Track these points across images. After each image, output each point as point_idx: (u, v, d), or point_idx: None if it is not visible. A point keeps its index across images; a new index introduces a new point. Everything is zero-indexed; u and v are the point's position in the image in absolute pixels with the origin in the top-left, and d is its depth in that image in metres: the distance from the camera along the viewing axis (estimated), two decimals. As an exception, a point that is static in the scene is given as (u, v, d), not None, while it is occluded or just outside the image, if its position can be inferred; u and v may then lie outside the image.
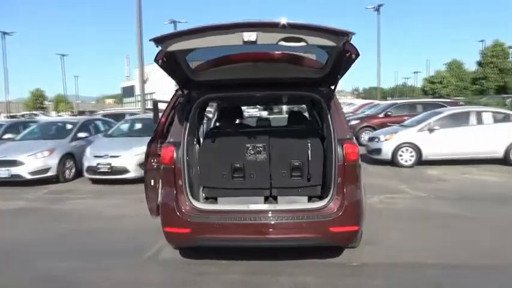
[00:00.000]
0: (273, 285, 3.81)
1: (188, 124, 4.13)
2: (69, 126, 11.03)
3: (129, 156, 9.02)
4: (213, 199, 4.71)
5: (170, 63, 3.67)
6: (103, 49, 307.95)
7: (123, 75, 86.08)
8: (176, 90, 4.55)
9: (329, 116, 4.06)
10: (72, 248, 5.07)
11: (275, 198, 4.68)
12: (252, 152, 4.46)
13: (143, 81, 18.96)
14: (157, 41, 3.05)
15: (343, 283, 3.85)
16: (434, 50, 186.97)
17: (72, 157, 9.90)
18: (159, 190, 4.36)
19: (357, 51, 3.41)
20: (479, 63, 46.48)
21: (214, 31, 3.02)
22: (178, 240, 4.03)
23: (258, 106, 24.40)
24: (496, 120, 10.71)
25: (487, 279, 3.91)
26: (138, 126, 10.70)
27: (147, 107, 19.03)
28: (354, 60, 3.56)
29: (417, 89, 69.10)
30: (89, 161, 9.26)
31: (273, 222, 3.79)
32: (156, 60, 3.56)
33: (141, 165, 8.90)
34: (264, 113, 28.67)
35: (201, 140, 4.63)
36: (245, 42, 2.98)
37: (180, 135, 4.04)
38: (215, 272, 4.12)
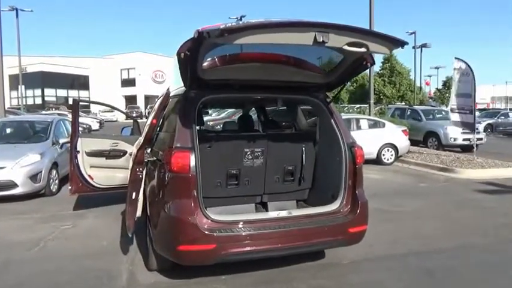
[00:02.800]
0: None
1: (195, 127, 3.69)
2: None
3: (17, 168, 7.38)
4: None
5: (191, 57, 3.25)
6: None
7: None
8: (168, 89, 4.02)
9: (332, 120, 4.18)
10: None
11: (264, 205, 4.55)
12: (250, 157, 4.25)
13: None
14: (226, 31, 2.67)
15: (354, 281, 4.02)
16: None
17: None
18: (150, 203, 3.77)
19: (373, 61, 3.63)
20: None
21: (288, 28, 2.82)
22: (199, 259, 3.54)
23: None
24: (370, 126, 12.55)
25: (456, 259, 4.61)
26: (19, 129, 8.82)
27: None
28: (366, 69, 3.78)
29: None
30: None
31: (296, 229, 3.69)
32: (179, 53, 3.13)
33: (34, 177, 7.48)
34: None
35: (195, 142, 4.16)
36: (315, 43, 2.87)
37: (188, 139, 3.58)
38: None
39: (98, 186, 6.32)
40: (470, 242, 5.20)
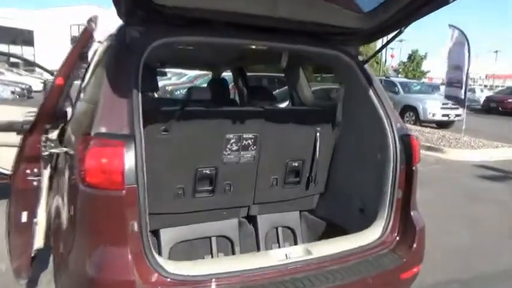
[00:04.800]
0: None
1: (137, 96, 1.94)
2: None
3: None
4: (152, 233, 2.61)
5: None
6: None
7: None
8: (91, 21, 2.16)
9: (371, 92, 2.56)
10: None
11: (251, 220, 2.94)
12: (235, 148, 2.57)
13: None
14: None
15: None
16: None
17: None
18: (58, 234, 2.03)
19: None
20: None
21: None
22: None
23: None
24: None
25: None
26: None
27: None
28: (438, 7, 2.15)
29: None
30: None
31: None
32: None
33: None
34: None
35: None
36: None
37: (123, 120, 1.84)
38: None
39: (6, 172, 4.47)
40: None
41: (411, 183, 2.44)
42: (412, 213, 2.43)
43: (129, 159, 1.75)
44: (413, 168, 2.44)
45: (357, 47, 2.72)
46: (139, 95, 1.92)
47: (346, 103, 2.83)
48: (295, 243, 3.04)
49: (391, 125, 2.47)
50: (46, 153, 2.15)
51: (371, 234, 2.41)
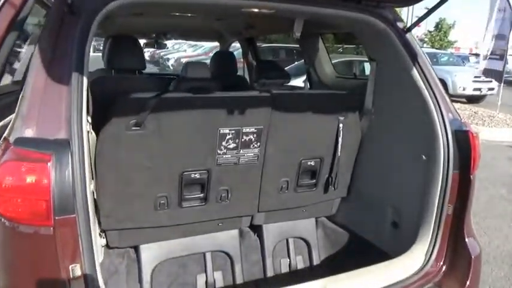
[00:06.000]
0: None
1: (85, 81, 1.36)
2: None
3: None
4: (131, 249, 2.10)
5: None
6: None
7: None
8: None
9: (415, 71, 1.91)
10: None
11: (255, 230, 2.39)
12: (233, 145, 1.98)
13: None
14: None
15: None
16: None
17: None
18: None
19: None
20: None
21: None
22: None
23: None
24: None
25: None
26: None
27: None
28: None
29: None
30: None
31: None
32: None
33: None
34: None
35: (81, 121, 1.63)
36: None
37: (62, 117, 1.27)
38: None
39: None
40: None
41: (466, 196, 1.82)
42: (466, 238, 1.82)
43: (60, 177, 1.19)
44: (471, 176, 1.81)
45: (394, 10, 2.05)
46: (85, 79, 1.34)
47: (378, 85, 2.18)
48: (310, 257, 2.49)
49: (442, 116, 1.83)
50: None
51: (411, 262, 1.83)
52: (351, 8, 1.89)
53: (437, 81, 1.95)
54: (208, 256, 2.24)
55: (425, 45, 43.55)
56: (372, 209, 2.27)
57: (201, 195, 2.04)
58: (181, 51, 22.52)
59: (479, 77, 12.39)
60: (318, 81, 3.02)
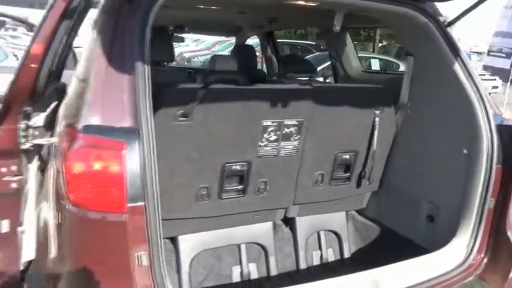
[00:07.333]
0: None
1: (147, 71, 1.36)
2: None
3: None
4: (168, 240, 2.11)
5: None
6: None
7: None
8: None
9: (457, 65, 1.93)
10: None
11: (288, 222, 2.40)
12: (274, 137, 1.99)
13: None
14: None
15: None
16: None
17: None
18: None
19: None
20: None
21: None
22: None
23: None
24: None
25: None
26: None
27: None
28: None
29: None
30: None
31: None
32: None
33: None
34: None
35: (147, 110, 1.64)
36: None
37: (126, 106, 1.28)
38: None
39: None
40: None
41: (509, 190, 1.84)
42: (507, 228, 1.84)
43: (133, 165, 1.20)
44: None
45: (433, 4, 2.05)
46: (148, 68, 1.34)
47: (415, 80, 2.18)
48: (341, 250, 2.51)
49: (486, 111, 1.84)
50: (27, 145, 1.62)
51: (453, 255, 1.84)
52: (393, 1, 1.90)
53: (478, 76, 1.96)
54: (243, 248, 2.25)
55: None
56: (404, 203, 2.29)
57: (240, 187, 2.05)
58: (184, 46, 22.36)
59: (484, 75, 12.44)
60: (344, 76, 3.02)
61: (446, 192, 2.01)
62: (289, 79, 2.50)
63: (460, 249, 1.86)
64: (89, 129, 1.21)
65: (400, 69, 9.85)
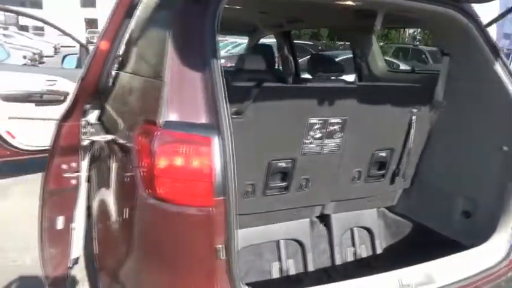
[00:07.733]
0: None
1: (219, 68, 1.39)
2: None
3: None
4: None
5: None
6: None
7: None
8: None
9: (497, 64, 1.99)
10: None
11: (323, 219, 2.45)
12: (319, 135, 2.03)
13: None
14: None
15: None
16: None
17: None
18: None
19: None
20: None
21: None
22: None
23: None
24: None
25: None
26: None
27: None
28: None
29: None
30: None
31: None
32: None
33: None
34: None
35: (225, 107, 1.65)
36: None
37: (201, 104, 1.30)
38: None
39: (24, 148, 4.05)
40: None
41: None
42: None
43: (218, 161, 1.23)
44: None
45: (471, 5, 2.10)
46: (220, 66, 1.37)
47: (453, 78, 2.23)
48: (373, 246, 2.56)
49: None
50: (86, 142, 1.63)
51: (494, 251, 1.90)
52: (435, 1, 1.94)
53: None
54: (282, 243, 2.28)
55: (416, 42, 43.74)
56: (437, 199, 2.34)
57: (284, 184, 2.08)
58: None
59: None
60: (369, 75, 3.06)
61: (485, 188, 2.06)
62: (317, 78, 2.54)
63: (500, 245, 1.91)
64: (173, 125, 1.24)
65: (400, 69, 9.97)
